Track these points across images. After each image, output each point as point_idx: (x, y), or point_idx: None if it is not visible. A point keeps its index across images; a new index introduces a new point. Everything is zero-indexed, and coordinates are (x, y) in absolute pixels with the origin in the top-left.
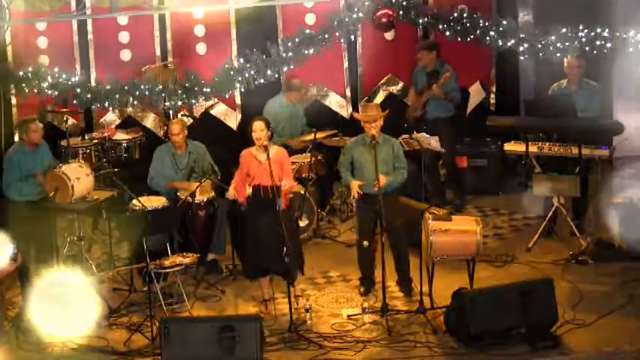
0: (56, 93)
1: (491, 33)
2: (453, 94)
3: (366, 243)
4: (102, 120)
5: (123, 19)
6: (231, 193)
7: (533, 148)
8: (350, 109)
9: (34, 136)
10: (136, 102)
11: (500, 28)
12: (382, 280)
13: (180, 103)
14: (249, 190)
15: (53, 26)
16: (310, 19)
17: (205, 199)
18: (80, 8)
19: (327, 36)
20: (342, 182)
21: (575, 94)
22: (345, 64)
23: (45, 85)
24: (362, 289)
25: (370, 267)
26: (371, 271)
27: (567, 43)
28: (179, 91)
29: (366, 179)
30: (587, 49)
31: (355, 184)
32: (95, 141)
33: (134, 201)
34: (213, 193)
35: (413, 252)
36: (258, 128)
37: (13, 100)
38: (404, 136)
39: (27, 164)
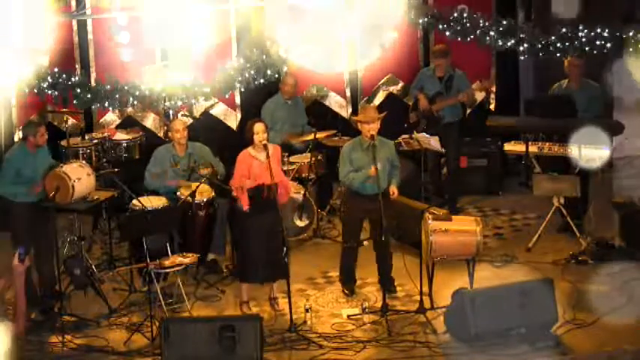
0: (56, 93)
1: (491, 33)
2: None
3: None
4: (102, 120)
5: (123, 19)
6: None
7: (533, 148)
8: (350, 109)
9: (42, 139)
10: (136, 102)
11: (500, 28)
12: (382, 280)
13: (180, 103)
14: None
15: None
16: None
17: (205, 199)
18: (80, 8)
19: None
20: (355, 184)
21: (576, 94)
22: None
23: (45, 85)
24: (347, 290)
25: (353, 267)
26: (353, 271)
27: (567, 43)
28: (179, 91)
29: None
30: (587, 49)
31: (372, 169)
32: (95, 141)
33: (134, 201)
34: (213, 193)
35: (413, 252)
36: (261, 130)
37: (13, 100)
38: (404, 136)
39: (27, 165)
